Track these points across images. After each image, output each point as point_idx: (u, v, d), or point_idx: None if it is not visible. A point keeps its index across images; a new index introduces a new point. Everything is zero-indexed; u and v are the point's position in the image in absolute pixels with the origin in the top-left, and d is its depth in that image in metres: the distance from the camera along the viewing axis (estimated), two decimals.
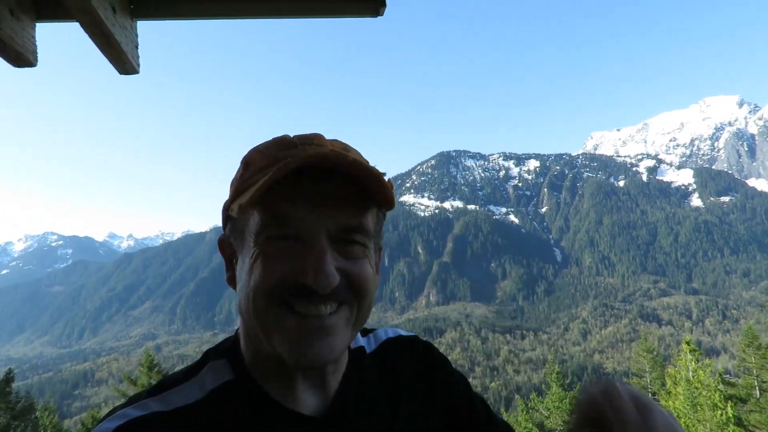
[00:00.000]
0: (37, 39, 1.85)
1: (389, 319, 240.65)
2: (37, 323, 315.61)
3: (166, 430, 0.69)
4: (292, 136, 0.79)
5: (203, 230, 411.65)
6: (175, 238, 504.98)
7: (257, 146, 0.79)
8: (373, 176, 0.71)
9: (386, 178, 0.73)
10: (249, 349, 0.78)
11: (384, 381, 0.91)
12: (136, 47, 1.99)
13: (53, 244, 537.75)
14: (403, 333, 1.05)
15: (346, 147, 0.80)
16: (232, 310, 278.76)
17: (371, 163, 0.80)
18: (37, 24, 1.85)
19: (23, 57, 1.80)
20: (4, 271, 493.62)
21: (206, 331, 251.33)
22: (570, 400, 12.88)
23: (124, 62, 1.93)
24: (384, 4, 1.72)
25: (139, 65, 2.02)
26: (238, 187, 0.76)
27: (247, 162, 0.78)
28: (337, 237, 0.73)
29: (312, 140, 0.77)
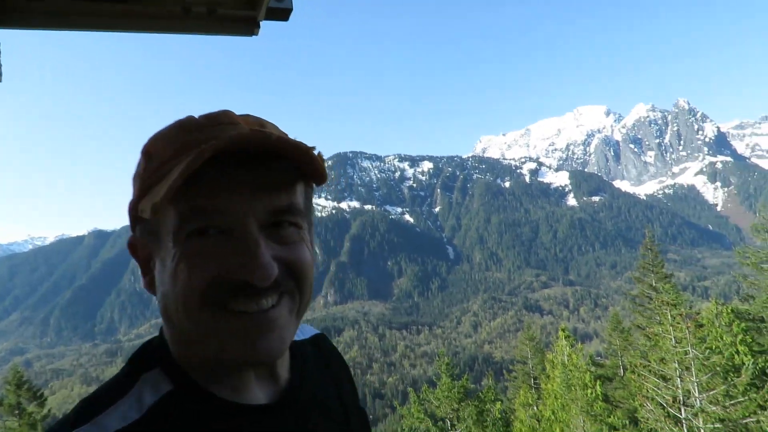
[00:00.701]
0: None
1: None
2: None
3: None
4: (197, 116, 0.68)
5: (80, 233, 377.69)
6: (47, 242, 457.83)
7: (158, 133, 0.68)
8: (302, 152, 0.64)
9: (316, 151, 0.67)
10: (185, 354, 0.68)
11: (326, 370, 0.90)
12: None
13: None
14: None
15: (261, 122, 0.71)
16: (114, 318, 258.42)
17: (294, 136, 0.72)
18: None
19: None
20: None
21: (85, 342, 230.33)
22: (458, 389, 13.64)
23: None
24: (258, 26, 1.73)
25: (0, 74, 1.95)
26: (144, 182, 0.66)
27: (149, 152, 0.67)
28: (268, 222, 0.65)
29: (221, 119, 0.67)
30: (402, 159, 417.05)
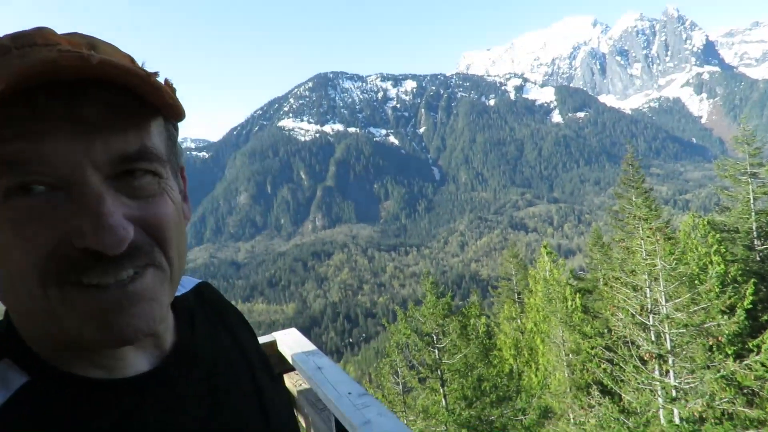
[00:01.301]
0: None
1: (276, 246, 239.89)
2: None
3: None
4: (3, 34, 0.48)
5: None
6: None
7: None
8: (140, 79, 0.49)
9: (161, 80, 0.52)
10: (39, 338, 0.53)
11: (216, 320, 0.77)
12: None
13: None
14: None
15: (92, 43, 0.51)
16: None
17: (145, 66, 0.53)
18: None
19: None
20: None
21: None
22: (442, 305, 14.20)
23: None
24: None
25: None
26: None
27: None
28: (114, 172, 0.50)
29: (34, 40, 0.47)
30: (384, 78, 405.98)
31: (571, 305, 17.31)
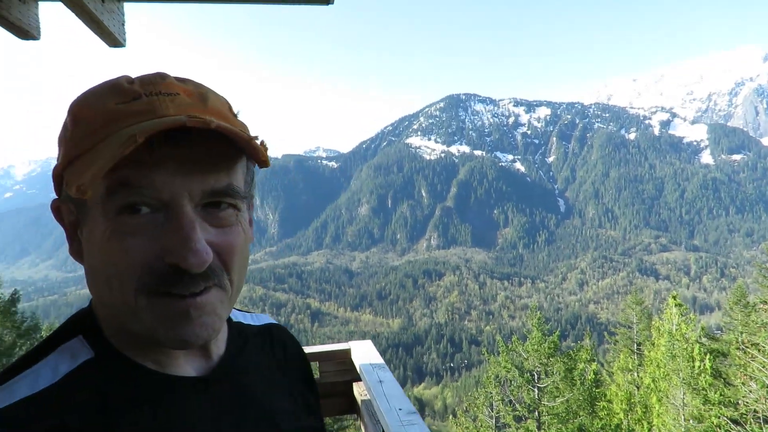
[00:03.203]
0: (42, 17, 2.19)
1: (390, 260, 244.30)
2: (41, 247, 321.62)
3: (15, 425, 0.54)
4: (133, 77, 0.62)
5: None
6: None
7: (88, 94, 0.61)
8: (243, 141, 0.59)
9: (258, 141, 0.62)
10: (112, 324, 0.64)
11: (272, 353, 0.86)
12: (123, 24, 2.30)
13: None
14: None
15: (202, 93, 0.63)
16: None
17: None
18: (41, 3, 2.20)
19: (29, 33, 2.15)
20: (7, 195, 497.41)
21: None
22: (548, 344, 13.41)
23: (113, 39, 2.27)
24: None
25: (125, 40, 2.32)
26: (70, 150, 0.59)
27: (76, 117, 0.60)
28: (203, 202, 0.61)
29: (159, 86, 0.60)
30: (518, 103, 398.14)
31: (699, 366, 15.48)
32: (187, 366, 0.67)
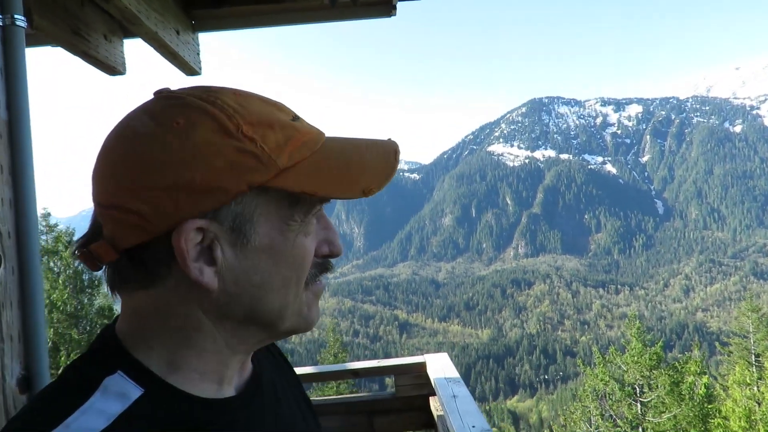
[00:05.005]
0: (126, 53, 2.42)
1: (476, 270, 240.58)
2: None
3: None
4: (288, 109, 0.64)
5: None
6: None
7: (251, 108, 0.58)
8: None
9: None
10: (161, 353, 0.60)
11: (276, 362, 0.87)
12: (198, 54, 2.51)
13: None
14: None
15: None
16: None
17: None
18: (125, 40, 2.41)
19: (116, 69, 2.33)
20: None
21: None
22: (650, 355, 12.42)
23: (189, 68, 2.48)
24: (395, 8, 2.04)
25: (200, 68, 2.56)
26: (272, 157, 0.56)
27: (266, 126, 0.58)
28: None
29: (290, 112, 0.63)
30: (605, 103, 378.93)
31: None
32: (229, 387, 0.67)
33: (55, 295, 14.44)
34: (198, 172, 0.53)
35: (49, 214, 16.62)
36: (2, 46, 1.30)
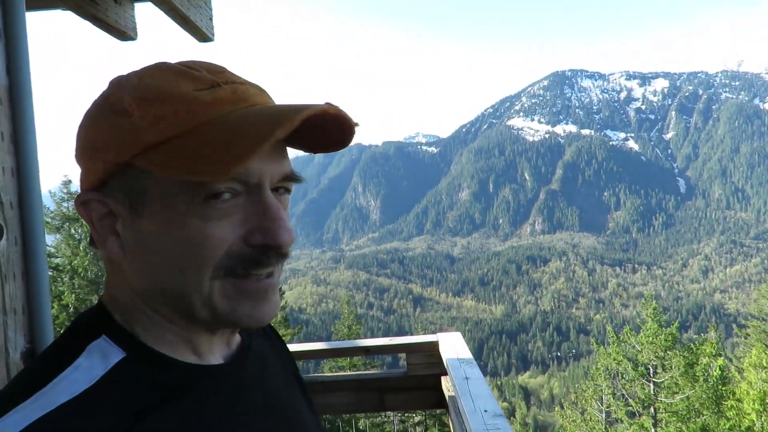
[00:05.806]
0: (137, 17, 2.30)
1: (492, 245, 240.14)
2: None
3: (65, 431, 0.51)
4: (188, 64, 0.59)
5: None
6: None
7: (148, 79, 0.57)
8: (351, 129, 0.61)
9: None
10: (141, 321, 0.61)
11: (269, 339, 0.87)
12: (211, 19, 2.36)
13: None
14: None
15: (257, 84, 0.63)
16: (338, 229, 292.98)
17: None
18: (136, 4, 2.28)
19: (126, 34, 2.22)
20: None
21: (315, 249, 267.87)
22: (665, 336, 12.30)
23: (201, 34, 2.35)
24: None
25: (213, 35, 2.40)
26: (138, 134, 0.54)
27: (146, 101, 0.55)
28: (273, 186, 0.61)
29: (226, 75, 0.60)
30: (630, 77, 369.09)
31: None
32: (217, 355, 0.68)
33: (76, 261, 14.72)
34: (87, 144, 0.59)
35: (70, 182, 16.73)
36: (1, 7, 1.25)
